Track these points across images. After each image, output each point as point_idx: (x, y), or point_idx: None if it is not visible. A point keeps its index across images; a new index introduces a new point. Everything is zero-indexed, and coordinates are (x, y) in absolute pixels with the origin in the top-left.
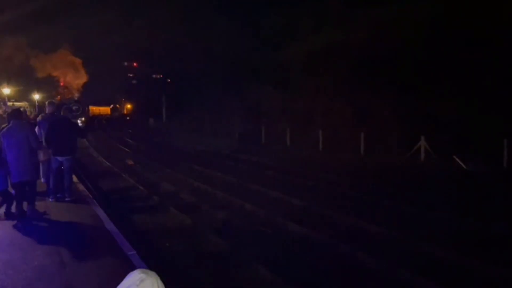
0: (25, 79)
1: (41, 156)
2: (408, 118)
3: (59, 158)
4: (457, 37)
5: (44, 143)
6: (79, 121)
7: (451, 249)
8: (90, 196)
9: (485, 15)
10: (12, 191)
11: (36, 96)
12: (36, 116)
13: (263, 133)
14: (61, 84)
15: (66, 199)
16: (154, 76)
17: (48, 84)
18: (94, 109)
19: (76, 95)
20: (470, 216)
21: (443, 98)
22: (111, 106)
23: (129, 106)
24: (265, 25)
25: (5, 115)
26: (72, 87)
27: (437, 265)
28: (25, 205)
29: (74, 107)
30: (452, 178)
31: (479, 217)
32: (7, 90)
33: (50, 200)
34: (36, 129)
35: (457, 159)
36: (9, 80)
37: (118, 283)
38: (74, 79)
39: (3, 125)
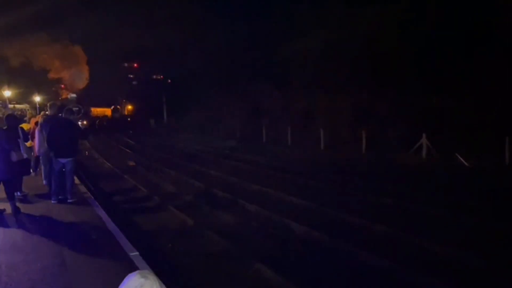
0: (26, 81)
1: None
2: (410, 115)
3: (61, 160)
4: (458, 33)
5: (46, 145)
6: (79, 123)
7: (453, 246)
8: (92, 197)
9: (487, 11)
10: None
11: (37, 98)
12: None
13: (264, 132)
14: (62, 87)
15: (68, 200)
16: (154, 76)
17: (49, 85)
18: (95, 111)
19: (75, 95)
20: (471, 213)
21: (444, 96)
22: (112, 107)
23: (130, 107)
24: (266, 24)
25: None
26: (74, 86)
27: (438, 262)
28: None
29: (75, 109)
30: (454, 175)
31: (480, 214)
32: (8, 93)
33: (52, 201)
34: (37, 131)
35: (459, 157)
36: (9, 83)
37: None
38: (76, 77)
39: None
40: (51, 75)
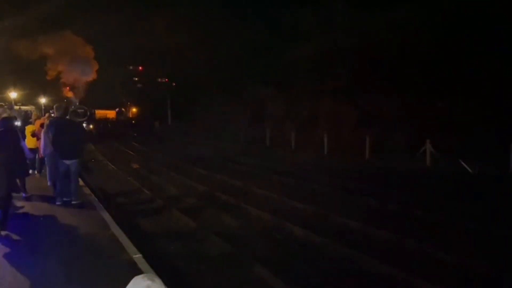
0: (32, 82)
1: None
2: (414, 121)
3: (66, 162)
4: (463, 39)
5: (51, 146)
6: (84, 124)
7: (456, 253)
8: (96, 199)
9: (492, 17)
10: None
11: (43, 100)
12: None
13: (267, 136)
14: (67, 88)
15: (73, 202)
16: (159, 79)
17: (54, 86)
18: (100, 113)
19: (78, 97)
20: (474, 220)
21: (449, 101)
22: (117, 109)
23: (134, 109)
24: (270, 28)
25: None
26: (79, 86)
27: (442, 269)
28: None
29: (80, 110)
30: (457, 181)
31: (483, 220)
32: (14, 94)
33: (57, 203)
34: (42, 132)
35: (463, 163)
36: (15, 84)
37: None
38: (82, 76)
39: None
40: (50, 71)
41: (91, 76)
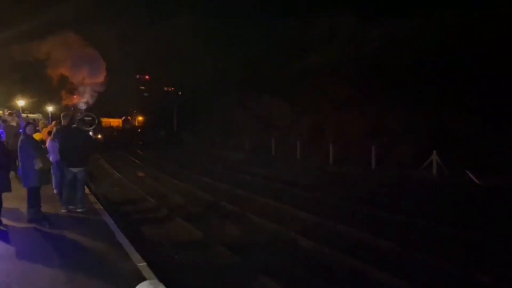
0: (39, 90)
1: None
2: (420, 131)
3: (73, 170)
4: (469, 50)
5: (58, 154)
6: (91, 133)
7: (462, 264)
8: (101, 207)
9: (499, 28)
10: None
11: (50, 108)
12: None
13: (273, 145)
14: (74, 95)
15: (78, 210)
16: (165, 88)
17: (61, 95)
18: (104, 121)
19: (86, 103)
20: (481, 232)
21: (455, 112)
22: (123, 118)
23: (140, 118)
24: (276, 38)
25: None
26: (87, 89)
27: (446, 280)
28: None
29: (87, 118)
30: (464, 193)
31: (490, 232)
32: (21, 102)
33: (63, 210)
34: (49, 140)
35: (470, 174)
36: (23, 92)
37: None
38: (90, 77)
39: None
40: (55, 75)
41: (101, 76)
